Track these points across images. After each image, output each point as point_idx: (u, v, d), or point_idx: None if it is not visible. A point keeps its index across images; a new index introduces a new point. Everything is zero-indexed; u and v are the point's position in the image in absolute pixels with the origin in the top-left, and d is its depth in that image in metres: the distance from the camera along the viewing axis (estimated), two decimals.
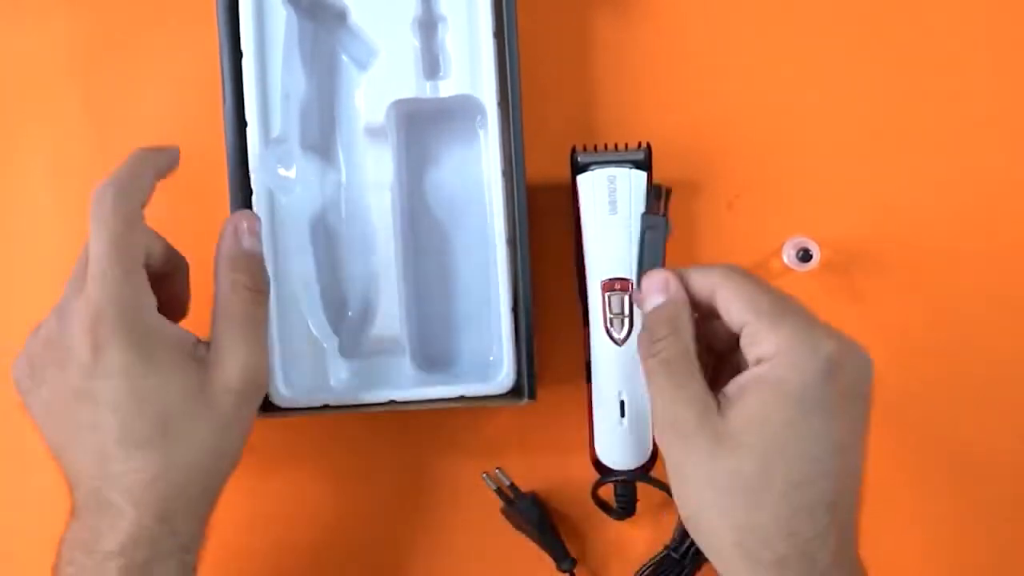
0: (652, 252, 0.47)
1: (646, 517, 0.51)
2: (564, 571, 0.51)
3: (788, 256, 0.50)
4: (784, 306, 0.39)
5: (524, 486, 0.51)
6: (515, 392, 0.49)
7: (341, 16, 0.50)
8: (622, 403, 0.47)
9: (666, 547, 0.50)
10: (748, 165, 0.54)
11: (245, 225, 0.44)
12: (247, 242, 0.44)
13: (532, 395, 0.48)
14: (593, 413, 0.48)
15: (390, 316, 0.49)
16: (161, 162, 0.44)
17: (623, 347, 0.47)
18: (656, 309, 0.41)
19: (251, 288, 0.44)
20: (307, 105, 0.51)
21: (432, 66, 0.50)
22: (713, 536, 0.38)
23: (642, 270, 0.46)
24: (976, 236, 0.53)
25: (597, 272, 0.47)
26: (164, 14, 0.56)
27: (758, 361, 0.38)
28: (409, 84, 0.50)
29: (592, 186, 0.48)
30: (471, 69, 0.49)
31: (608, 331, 0.47)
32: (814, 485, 0.37)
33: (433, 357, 0.52)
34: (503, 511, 0.51)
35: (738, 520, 0.37)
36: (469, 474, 0.52)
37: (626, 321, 0.47)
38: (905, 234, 0.53)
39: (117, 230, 0.41)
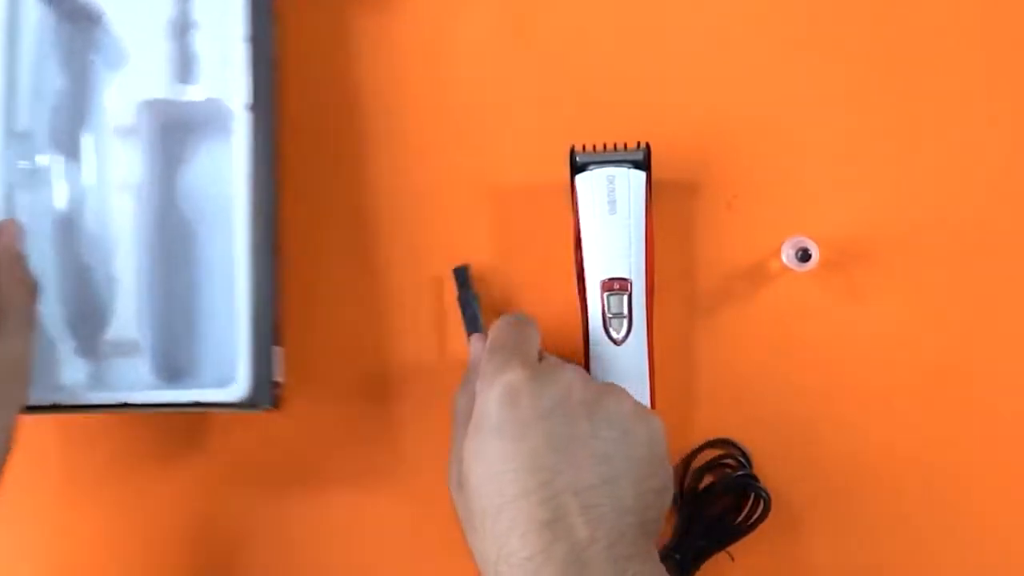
0: (473, 323, 0.50)
1: None
2: None
3: (787, 256, 0.50)
4: (492, 347, 0.43)
5: None
6: (253, 401, 0.48)
7: (97, 15, 0.50)
8: None
9: (665, 547, 0.50)
10: (747, 165, 0.53)
11: (16, 230, 0.46)
12: (21, 245, 0.46)
13: (273, 404, 0.49)
14: None
15: (127, 319, 0.49)
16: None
17: (622, 347, 0.47)
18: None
19: (29, 285, 0.45)
20: (58, 102, 0.51)
21: (184, 69, 0.50)
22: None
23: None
24: (976, 235, 0.53)
25: (596, 272, 0.47)
26: None
27: None
28: (160, 86, 0.50)
29: (591, 186, 0.48)
30: (221, 73, 0.49)
31: (607, 331, 0.47)
32: (512, 506, 0.39)
33: (175, 362, 0.52)
34: None
35: (476, 550, 0.41)
36: None
37: (625, 321, 0.47)
38: (904, 233, 0.53)
39: None
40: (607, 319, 0.47)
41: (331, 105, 0.55)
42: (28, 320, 0.45)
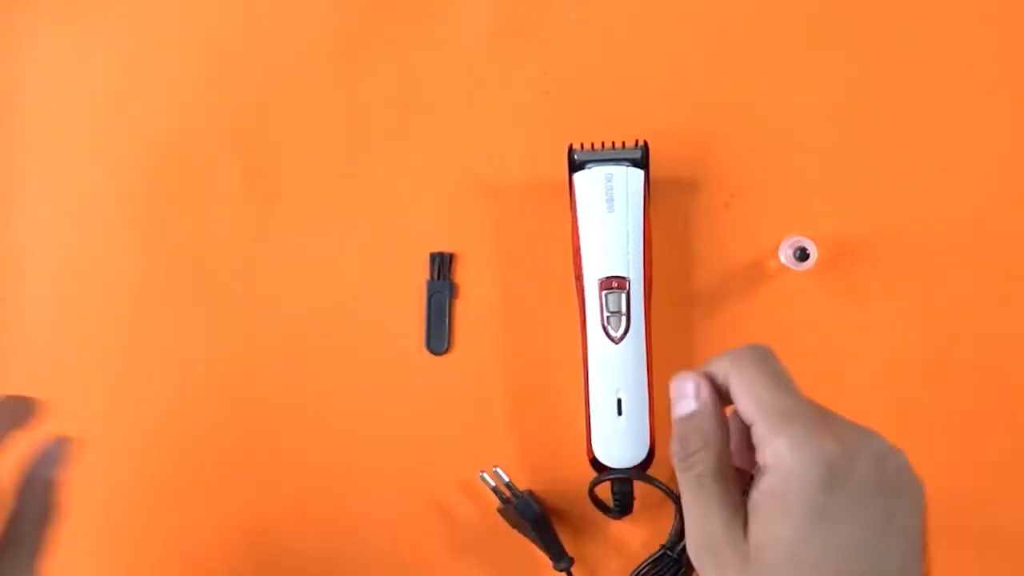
0: (439, 313, 0.49)
1: (644, 516, 0.51)
2: (561, 570, 0.51)
3: (785, 255, 0.50)
4: (786, 407, 0.38)
5: (521, 485, 0.51)
6: None
7: None
8: (619, 401, 0.47)
9: (663, 546, 0.49)
10: (744, 164, 0.53)
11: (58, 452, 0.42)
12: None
13: None
14: (590, 411, 0.48)
15: None
16: (20, 413, 0.43)
17: (620, 345, 0.47)
18: (686, 418, 0.39)
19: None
20: None
21: None
22: None
23: (431, 327, 0.51)
24: (974, 234, 0.52)
25: (594, 270, 0.47)
26: None
27: (762, 469, 0.37)
28: None
29: (589, 184, 0.47)
30: None
31: (605, 329, 0.47)
32: None
33: None
34: (499, 510, 0.51)
35: None
36: (465, 473, 0.52)
37: (623, 319, 0.47)
38: (903, 232, 0.53)
39: None
40: (605, 317, 0.47)
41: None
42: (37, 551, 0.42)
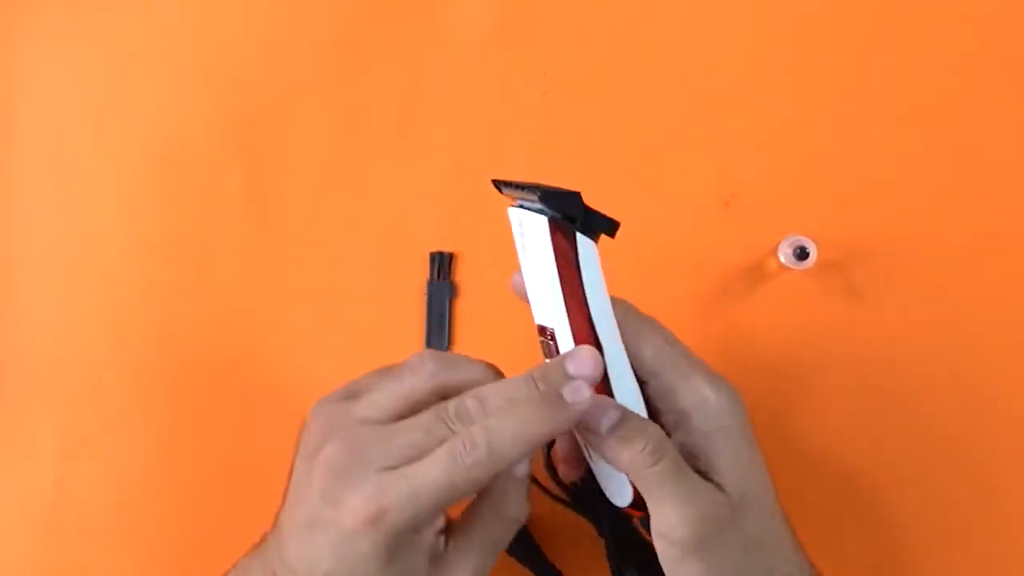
0: (439, 313, 0.49)
1: None
2: None
3: (785, 254, 0.50)
4: (686, 355, 0.41)
5: None
6: None
7: None
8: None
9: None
10: (744, 164, 0.53)
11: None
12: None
13: None
14: None
15: None
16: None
17: None
18: (624, 423, 0.38)
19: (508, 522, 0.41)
20: None
21: None
22: None
23: (430, 327, 0.51)
24: (974, 234, 0.52)
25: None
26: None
27: (680, 414, 0.39)
28: None
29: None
30: None
31: None
32: (775, 502, 0.41)
33: None
34: None
35: (763, 565, 0.40)
36: None
37: None
38: (903, 232, 0.53)
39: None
40: None
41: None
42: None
